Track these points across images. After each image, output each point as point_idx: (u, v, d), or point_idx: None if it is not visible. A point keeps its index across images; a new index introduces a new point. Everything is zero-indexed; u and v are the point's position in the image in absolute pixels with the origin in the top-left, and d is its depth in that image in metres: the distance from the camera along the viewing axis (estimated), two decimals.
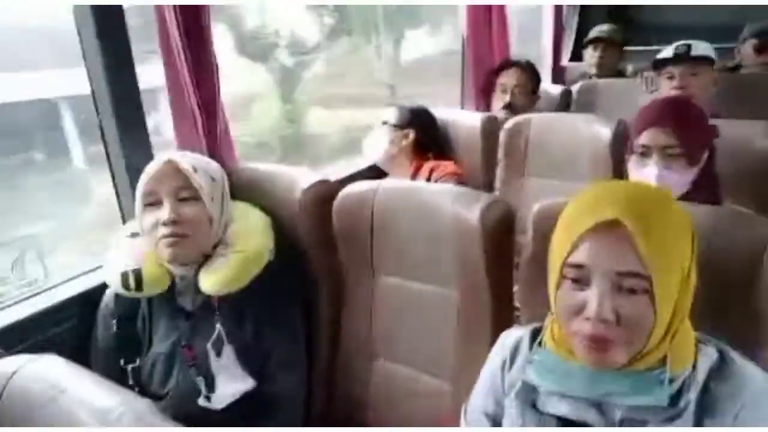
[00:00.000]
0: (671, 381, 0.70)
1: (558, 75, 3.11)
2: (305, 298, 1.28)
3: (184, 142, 1.35)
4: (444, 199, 1.15)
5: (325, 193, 1.27)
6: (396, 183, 1.25)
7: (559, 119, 1.84)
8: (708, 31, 2.03)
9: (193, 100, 1.31)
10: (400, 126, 1.88)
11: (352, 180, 1.33)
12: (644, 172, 1.24)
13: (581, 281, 0.70)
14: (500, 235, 1.09)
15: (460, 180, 1.82)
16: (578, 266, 0.70)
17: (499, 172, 1.96)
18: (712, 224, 0.89)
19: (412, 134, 1.88)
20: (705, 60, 1.78)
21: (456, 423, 0.95)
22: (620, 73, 2.70)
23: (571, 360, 0.75)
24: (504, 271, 1.12)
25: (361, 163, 1.96)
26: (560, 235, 0.74)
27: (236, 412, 1.16)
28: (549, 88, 2.52)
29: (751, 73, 2.29)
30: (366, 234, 1.24)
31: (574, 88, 2.40)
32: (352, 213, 1.24)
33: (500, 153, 1.93)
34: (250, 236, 1.18)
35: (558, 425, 0.76)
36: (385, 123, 1.90)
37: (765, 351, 0.85)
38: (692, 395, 0.70)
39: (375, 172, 1.93)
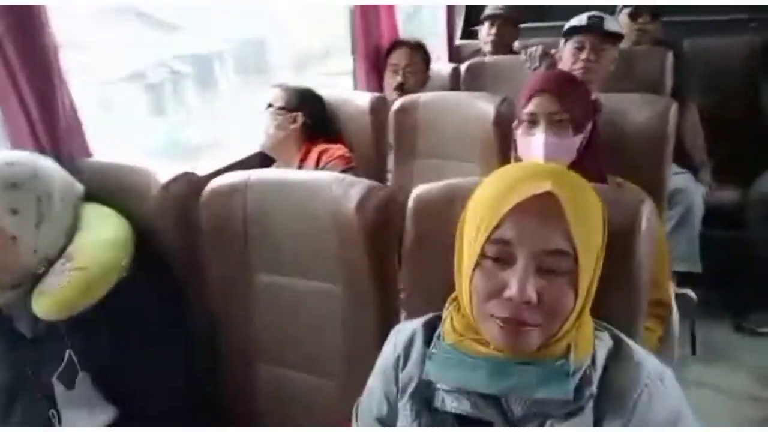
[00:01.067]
0: (575, 372, 0.67)
1: (454, 54, 3.10)
2: (175, 306, 1.15)
3: (16, 140, 1.16)
4: (320, 187, 1.06)
5: (189, 189, 1.15)
6: (268, 173, 1.15)
7: (445, 98, 1.81)
8: (598, 9, 2.07)
9: (25, 91, 1.12)
10: (287, 109, 1.76)
11: (234, 170, 1.21)
12: (532, 141, 1.25)
13: (502, 260, 0.66)
14: (381, 223, 1.03)
15: (350, 164, 1.74)
16: (503, 242, 0.65)
17: (391, 154, 1.90)
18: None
19: (300, 117, 1.77)
20: (614, 36, 1.80)
21: (347, 425, 0.88)
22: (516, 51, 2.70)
23: (473, 352, 0.69)
24: (387, 262, 1.06)
25: (245, 151, 1.82)
26: (480, 212, 0.68)
27: None
28: (440, 67, 2.50)
29: (629, 48, 2.36)
30: (239, 231, 1.13)
31: (463, 66, 2.39)
32: (221, 209, 1.13)
33: (390, 135, 1.87)
34: (97, 249, 1.02)
35: (456, 424, 0.71)
36: (270, 106, 1.77)
37: (639, 324, 0.86)
38: (594, 387, 0.68)
39: (259, 160, 1.80)
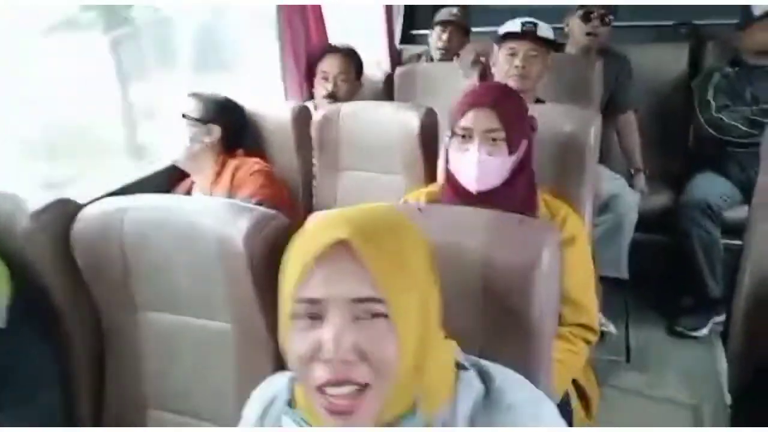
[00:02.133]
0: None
1: (394, 58, 3.02)
2: (54, 353, 1.03)
3: None
4: (205, 216, 0.96)
5: (65, 218, 1.03)
6: (148, 201, 1.04)
7: (368, 108, 1.73)
8: (546, 12, 2.03)
9: None
10: (201, 120, 1.64)
11: (137, 190, 1.10)
12: (464, 158, 1.19)
13: (314, 318, 0.60)
14: (272, 256, 0.93)
15: (269, 178, 1.64)
16: (311, 300, 0.60)
17: (316, 166, 1.81)
18: (491, 230, 0.81)
19: (216, 130, 1.65)
20: (547, 42, 1.76)
21: None
22: None
23: (323, 422, 0.62)
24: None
25: (155, 166, 1.69)
26: (287, 270, 0.63)
27: None
28: (373, 73, 2.42)
29: (569, 54, 2.34)
30: (119, 264, 1.01)
31: (396, 73, 2.32)
32: (97, 241, 1.01)
33: (315, 147, 1.78)
34: None
35: None
36: (184, 116, 1.64)
37: (541, 368, 0.80)
38: None
39: (171, 174, 1.68)
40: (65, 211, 1.03)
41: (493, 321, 0.79)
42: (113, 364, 1.08)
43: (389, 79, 2.35)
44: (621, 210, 2.21)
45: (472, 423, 0.63)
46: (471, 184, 1.18)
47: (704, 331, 2.26)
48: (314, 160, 1.81)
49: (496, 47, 1.85)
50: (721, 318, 2.17)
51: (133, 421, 1.07)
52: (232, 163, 1.66)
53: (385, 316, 0.59)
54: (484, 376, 0.67)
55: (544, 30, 1.78)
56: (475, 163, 1.16)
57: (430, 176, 1.59)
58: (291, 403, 0.67)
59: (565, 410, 1.21)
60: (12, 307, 0.95)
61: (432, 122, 1.57)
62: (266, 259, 0.93)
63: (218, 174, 1.66)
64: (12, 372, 0.95)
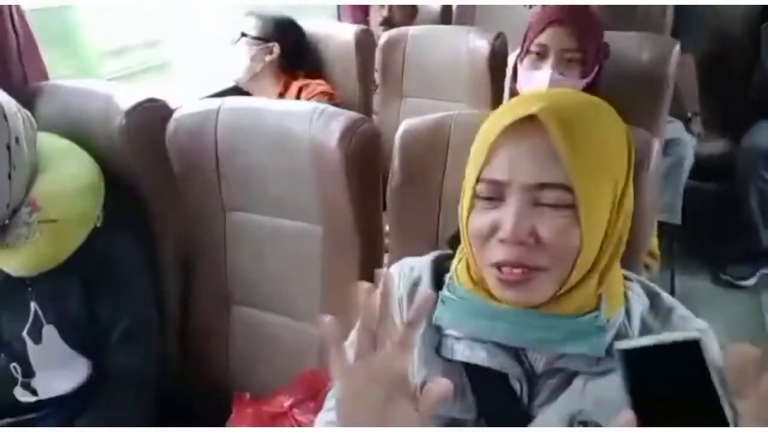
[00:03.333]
0: (607, 327, 0.59)
1: None
2: (147, 252, 1.07)
3: None
4: (299, 119, 0.97)
5: (156, 116, 1.04)
6: (241, 102, 1.05)
7: (436, 32, 1.70)
8: None
9: None
10: (262, 39, 1.63)
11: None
12: (536, 75, 1.17)
13: (495, 199, 0.59)
14: (364, 159, 0.95)
15: (333, 101, 1.64)
16: (493, 180, 0.58)
17: (378, 92, 1.80)
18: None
19: (276, 48, 1.64)
20: None
21: (324, 369, 0.83)
22: None
23: (491, 300, 0.62)
24: (370, 201, 0.99)
25: (219, 85, 1.70)
26: (473, 150, 0.62)
27: (70, 400, 0.96)
28: (430, 2, 2.35)
29: None
30: (210, 165, 1.04)
31: (454, 3, 2.26)
32: (190, 140, 1.03)
33: (377, 72, 1.76)
34: (68, 197, 0.92)
35: (464, 375, 0.63)
36: (243, 36, 1.63)
37: (638, 267, 0.81)
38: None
39: (236, 95, 1.69)
40: (158, 110, 1.05)
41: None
42: (200, 263, 1.12)
43: (447, 10, 2.29)
44: (679, 154, 2.16)
45: (644, 325, 0.62)
46: None
47: (752, 281, 2.25)
48: (376, 86, 1.79)
49: None
50: None
51: (218, 317, 1.12)
52: (295, 85, 1.66)
53: (569, 206, 0.56)
54: (649, 290, 0.66)
55: None
56: (546, 82, 1.15)
57: (496, 104, 1.57)
58: (454, 280, 0.66)
59: None
60: (107, 207, 0.98)
61: (503, 47, 1.54)
62: (358, 162, 0.94)
63: (281, 95, 1.66)
64: (108, 269, 0.99)
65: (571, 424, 0.59)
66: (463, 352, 0.63)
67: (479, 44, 1.56)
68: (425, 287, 0.69)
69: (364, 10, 2.15)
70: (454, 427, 0.63)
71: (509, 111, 0.58)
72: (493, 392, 0.62)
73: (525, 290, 0.58)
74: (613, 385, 0.50)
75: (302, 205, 1.01)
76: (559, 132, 0.55)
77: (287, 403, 1.04)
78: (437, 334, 0.66)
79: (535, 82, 1.17)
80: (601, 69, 1.23)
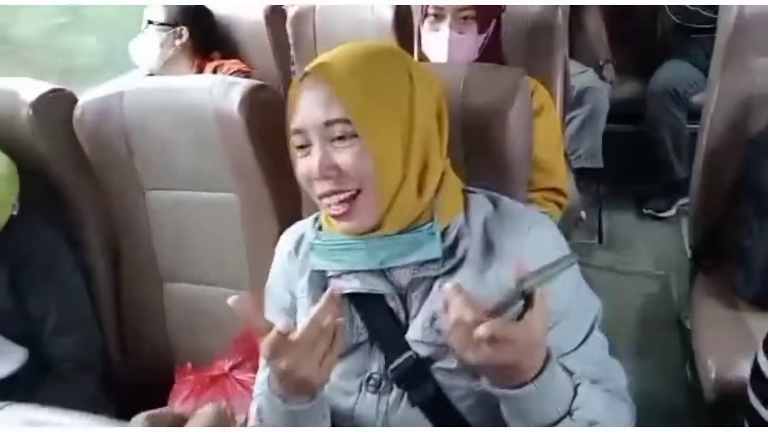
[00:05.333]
0: (444, 233, 0.70)
1: None
2: (68, 235, 1.09)
3: None
4: (201, 91, 1.01)
5: (62, 105, 1.06)
6: (145, 82, 1.08)
7: (340, 2, 1.73)
8: None
9: None
10: (169, 24, 1.64)
11: None
12: (436, 37, 1.23)
13: (306, 146, 0.68)
14: (267, 123, 0.99)
15: (249, 78, 1.66)
16: (297, 130, 0.68)
17: (295, 66, 1.83)
18: (465, 79, 0.88)
19: (185, 32, 1.65)
20: None
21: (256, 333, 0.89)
22: None
23: (345, 236, 0.71)
24: (281, 163, 1.03)
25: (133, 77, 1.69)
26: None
27: (6, 386, 0.99)
28: None
29: None
30: (121, 146, 1.06)
31: None
32: (98, 124, 1.05)
33: (291, 45, 1.79)
34: None
35: (350, 303, 0.72)
36: (150, 23, 1.64)
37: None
38: (468, 242, 0.70)
39: None
40: (63, 99, 1.07)
41: (473, 158, 0.87)
42: (126, 245, 1.15)
43: None
44: (593, 101, 2.28)
45: (484, 229, 0.72)
46: (442, 61, 1.23)
47: (671, 212, 2.42)
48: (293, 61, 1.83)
49: None
50: (687, 199, 2.31)
51: (151, 295, 1.16)
52: (210, 66, 1.68)
53: (355, 135, 0.65)
54: (492, 198, 0.75)
55: None
56: (446, 42, 1.21)
57: None
58: (320, 228, 0.76)
59: None
60: (23, 197, 1.00)
61: (406, 12, 1.60)
62: (262, 126, 0.99)
63: None
64: (30, 256, 1.02)
65: (431, 326, 0.69)
66: (342, 285, 0.72)
67: (383, 11, 1.61)
68: (307, 238, 0.77)
69: None
70: (356, 351, 0.72)
71: (308, 67, 0.69)
72: (375, 315, 0.72)
73: (353, 218, 0.68)
74: (461, 280, 0.61)
75: (216, 176, 1.05)
76: (338, 75, 0.66)
77: (227, 366, 1.09)
78: (322, 278, 0.75)
79: (435, 43, 1.24)
80: (499, 21, 1.30)
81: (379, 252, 0.69)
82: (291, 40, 1.77)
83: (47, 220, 1.06)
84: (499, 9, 1.30)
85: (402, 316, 0.72)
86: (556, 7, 1.50)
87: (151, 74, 1.66)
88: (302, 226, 0.82)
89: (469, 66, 0.92)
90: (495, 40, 1.29)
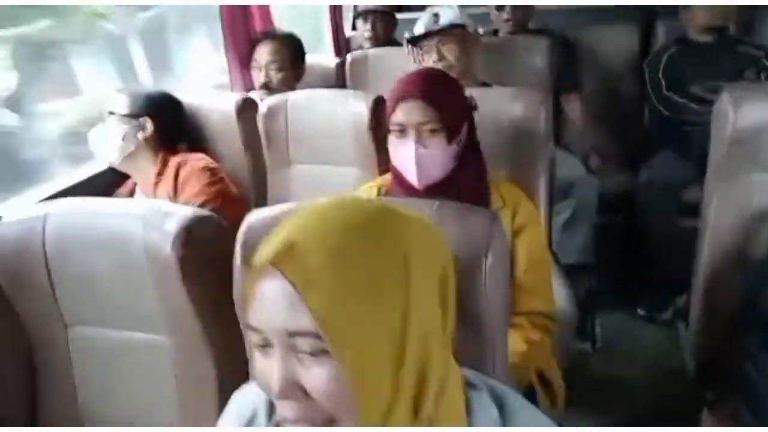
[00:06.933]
0: None
1: (344, 46, 2.94)
2: None
3: None
4: (130, 220, 0.88)
5: None
6: (71, 206, 0.95)
7: (314, 97, 1.65)
8: None
9: None
10: (132, 115, 1.54)
11: (75, 193, 1.00)
12: (402, 153, 1.13)
13: (265, 345, 0.52)
14: (205, 262, 0.86)
15: (216, 174, 1.55)
16: (253, 329, 0.52)
17: (267, 161, 1.73)
18: (436, 221, 0.75)
19: (149, 124, 1.54)
20: (455, 27, 1.70)
21: None
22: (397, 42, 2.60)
23: None
24: (223, 309, 0.89)
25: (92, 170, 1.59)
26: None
27: None
28: (325, 60, 2.34)
29: (505, 36, 2.32)
30: (42, 277, 0.93)
31: (348, 60, 2.24)
32: (15, 253, 0.92)
33: (263, 140, 1.70)
34: None
35: None
36: (111, 114, 1.53)
37: (487, 362, 0.76)
38: None
39: (111, 178, 1.58)
40: None
41: None
42: (46, 384, 0.99)
43: (341, 66, 2.27)
44: (580, 194, 2.20)
45: None
46: (413, 179, 1.13)
47: (667, 314, 2.27)
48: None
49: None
50: (682, 299, 2.18)
51: None
52: (174, 161, 1.56)
53: (326, 352, 0.49)
54: (497, 395, 0.61)
55: (448, 16, 1.70)
56: (413, 158, 1.11)
57: (385, 167, 1.53)
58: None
59: (531, 401, 1.19)
60: None
61: (383, 110, 1.51)
62: (199, 264, 0.86)
63: (160, 173, 1.56)
64: None
65: None
66: None
67: (359, 109, 1.53)
68: (261, 421, 0.64)
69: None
70: None
71: (262, 246, 0.53)
72: None
73: None
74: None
75: (147, 316, 0.91)
76: (299, 275, 0.49)
77: None
78: None
79: (403, 158, 1.14)
80: (472, 125, 1.21)
81: None
82: (262, 134, 1.68)
83: None
84: (469, 111, 1.21)
85: None
86: (538, 109, 1.42)
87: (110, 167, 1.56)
88: (252, 402, 0.66)
89: (439, 207, 0.80)
90: (470, 144, 1.19)
